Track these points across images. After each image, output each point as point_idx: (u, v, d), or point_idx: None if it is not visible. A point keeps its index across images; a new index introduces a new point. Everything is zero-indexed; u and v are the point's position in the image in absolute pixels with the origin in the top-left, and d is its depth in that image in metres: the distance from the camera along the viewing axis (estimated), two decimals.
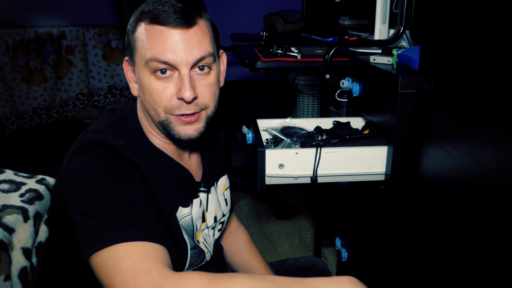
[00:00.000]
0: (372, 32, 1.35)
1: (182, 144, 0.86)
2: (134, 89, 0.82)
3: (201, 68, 0.76)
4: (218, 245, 1.00)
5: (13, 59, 2.91)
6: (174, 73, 0.75)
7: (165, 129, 0.79)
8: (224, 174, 1.00)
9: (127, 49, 0.80)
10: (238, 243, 1.11)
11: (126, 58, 0.81)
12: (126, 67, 0.82)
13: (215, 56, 0.79)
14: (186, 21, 0.73)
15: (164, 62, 0.73)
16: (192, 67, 0.75)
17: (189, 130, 0.78)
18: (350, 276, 0.65)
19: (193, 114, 0.77)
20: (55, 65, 3.03)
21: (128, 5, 1.74)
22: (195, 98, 0.75)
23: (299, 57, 1.49)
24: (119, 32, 3.09)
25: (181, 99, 0.75)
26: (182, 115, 0.76)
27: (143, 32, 0.74)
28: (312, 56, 1.48)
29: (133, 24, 0.77)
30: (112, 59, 3.15)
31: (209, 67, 0.77)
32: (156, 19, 0.73)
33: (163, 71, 0.74)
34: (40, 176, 0.99)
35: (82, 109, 3.20)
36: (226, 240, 1.10)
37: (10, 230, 0.81)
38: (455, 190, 0.71)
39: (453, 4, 0.71)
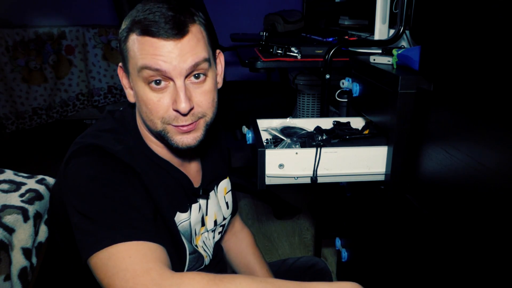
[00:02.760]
0: (372, 32, 1.35)
1: (181, 153, 0.85)
2: (130, 95, 0.80)
3: (197, 77, 0.74)
4: (218, 246, 0.99)
5: (13, 59, 2.91)
6: (169, 83, 0.73)
7: (163, 139, 0.78)
8: (226, 178, 1.00)
9: (120, 56, 0.78)
10: (242, 244, 1.10)
11: (120, 64, 0.80)
12: (121, 73, 0.81)
13: (211, 61, 0.77)
14: (178, 32, 0.70)
15: (156, 70, 0.70)
16: (187, 76, 0.73)
17: (187, 139, 0.77)
18: (352, 282, 0.64)
19: (190, 123, 0.75)
20: (55, 65, 3.02)
21: (128, 5, 1.74)
22: (191, 109, 0.74)
23: (299, 57, 1.49)
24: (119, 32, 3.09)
25: (176, 110, 0.73)
26: (179, 126, 0.75)
27: (134, 42, 0.72)
28: (312, 56, 1.48)
29: (124, 33, 0.75)
30: (112, 59, 3.14)
31: (205, 74, 0.75)
32: (147, 31, 0.70)
33: (157, 82, 0.72)
34: (40, 176, 0.99)
35: (82, 109, 3.20)
36: (230, 241, 1.09)
37: (10, 230, 0.81)
38: (455, 190, 0.71)
39: (453, 4, 0.71)
